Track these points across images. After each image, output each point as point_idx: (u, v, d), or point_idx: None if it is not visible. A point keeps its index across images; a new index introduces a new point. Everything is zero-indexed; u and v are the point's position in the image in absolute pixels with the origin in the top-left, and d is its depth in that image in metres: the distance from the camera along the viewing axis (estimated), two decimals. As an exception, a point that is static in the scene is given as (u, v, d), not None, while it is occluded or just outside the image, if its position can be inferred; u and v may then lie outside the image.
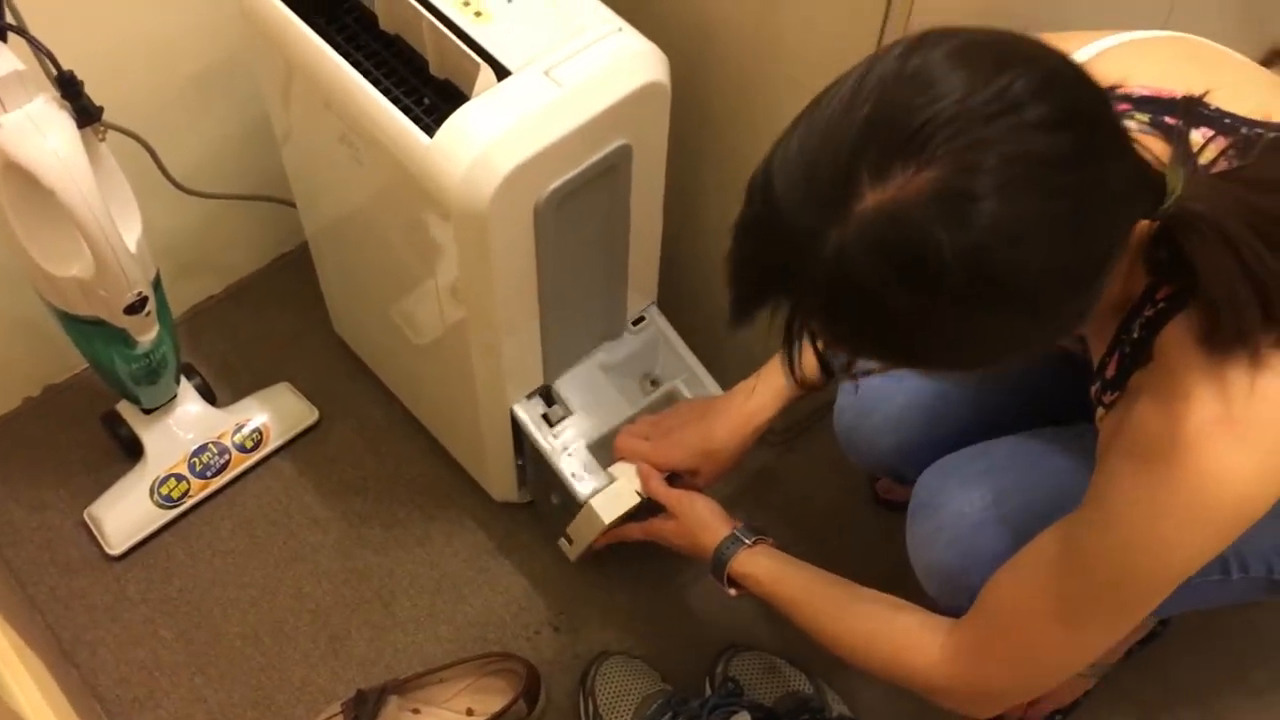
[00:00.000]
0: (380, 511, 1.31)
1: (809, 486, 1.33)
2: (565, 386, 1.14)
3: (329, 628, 1.24)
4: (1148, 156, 0.68)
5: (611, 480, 1.11)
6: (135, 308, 1.08)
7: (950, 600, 0.94)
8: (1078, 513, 0.78)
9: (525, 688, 1.16)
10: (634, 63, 0.92)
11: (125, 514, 1.27)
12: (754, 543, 1.03)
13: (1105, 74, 0.76)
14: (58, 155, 0.94)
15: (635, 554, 1.28)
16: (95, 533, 1.27)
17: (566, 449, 1.13)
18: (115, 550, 1.26)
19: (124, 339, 1.13)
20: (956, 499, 0.94)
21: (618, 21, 0.94)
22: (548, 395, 1.14)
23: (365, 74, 0.93)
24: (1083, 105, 0.62)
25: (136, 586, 1.26)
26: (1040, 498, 0.88)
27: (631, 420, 1.15)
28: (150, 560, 1.27)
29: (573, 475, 1.12)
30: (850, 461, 1.11)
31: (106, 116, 1.00)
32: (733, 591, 1.04)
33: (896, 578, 0.96)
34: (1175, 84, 0.76)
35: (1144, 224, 0.68)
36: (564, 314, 1.05)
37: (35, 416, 1.37)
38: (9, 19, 0.95)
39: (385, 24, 0.97)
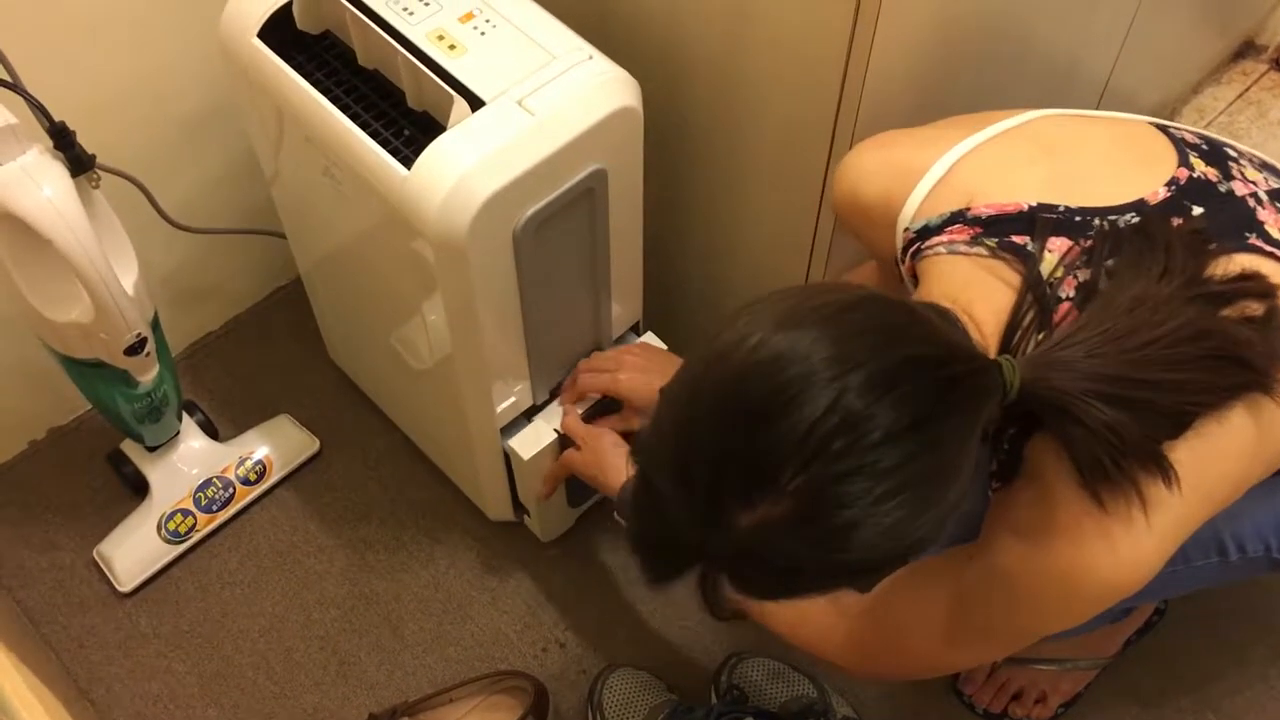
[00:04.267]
0: (384, 536, 1.33)
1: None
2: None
3: (338, 653, 1.25)
4: (978, 307, 0.75)
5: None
6: (135, 349, 1.11)
7: None
8: (972, 561, 0.83)
9: (534, 704, 1.17)
10: (605, 89, 0.94)
11: (134, 551, 1.29)
12: None
13: (956, 190, 0.83)
14: (53, 205, 0.96)
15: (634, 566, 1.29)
16: (105, 571, 1.29)
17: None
18: (125, 587, 1.28)
19: (125, 379, 1.15)
20: None
21: (588, 49, 0.96)
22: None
23: (344, 109, 0.95)
24: (915, 384, 0.65)
25: (148, 621, 1.28)
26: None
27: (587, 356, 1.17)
28: (160, 595, 1.29)
29: (499, 431, 1.14)
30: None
31: (99, 159, 1.02)
32: None
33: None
34: (1025, 191, 0.81)
35: None
36: (550, 335, 1.07)
37: (41, 459, 1.39)
38: (2, 75, 0.98)
39: (363, 60, 0.99)
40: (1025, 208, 0.80)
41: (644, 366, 1.12)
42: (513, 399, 1.11)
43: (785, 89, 1.01)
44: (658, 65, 1.08)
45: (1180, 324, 0.72)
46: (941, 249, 0.82)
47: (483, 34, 0.96)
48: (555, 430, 1.13)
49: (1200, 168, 0.83)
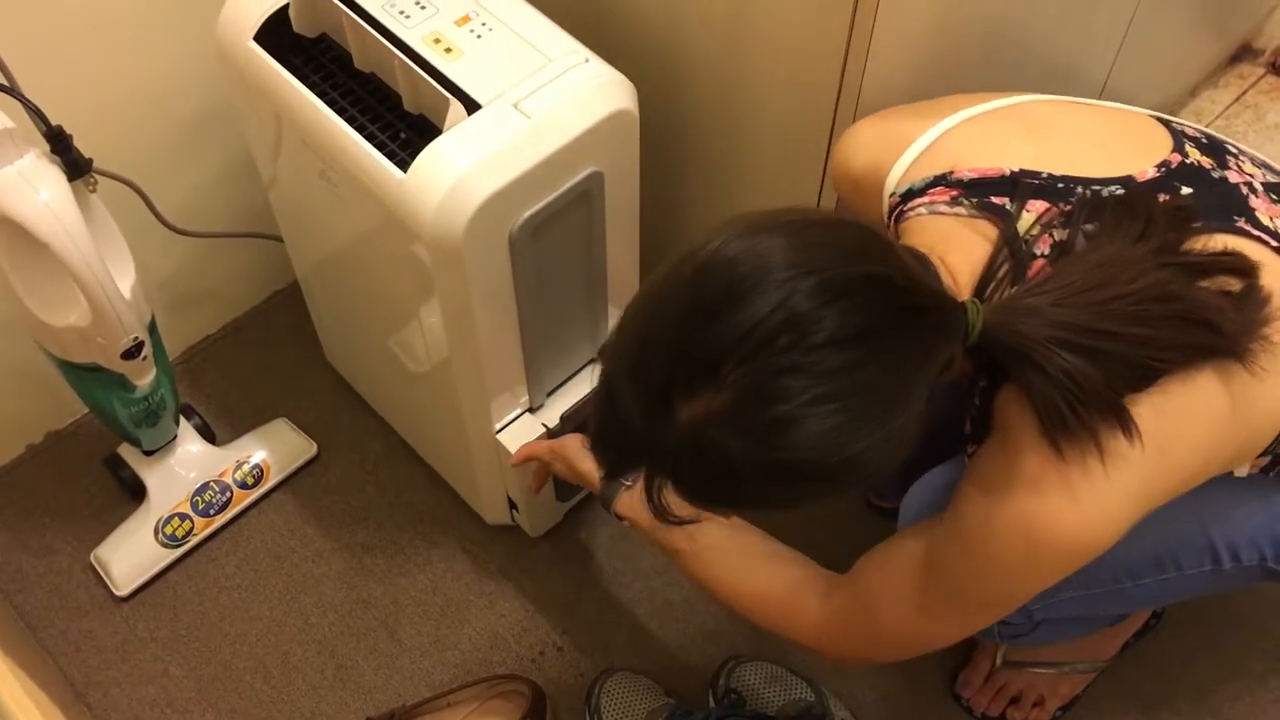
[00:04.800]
0: (382, 540, 1.33)
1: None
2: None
3: (336, 658, 1.25)
4: (954, 259, 0.75)
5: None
6: (132, 353, 1.11)
7: None
8: (941, 523, 0.83)
9: (531, 708, 1.17)
10: (601, 92, 0.94)
11: (131, 555, 1.29)
12: (633, 484, 1.06)
13: (941, 157, 0.85)
14: (50, 209, 0.97)
15: (634, 568, 1.29)
16: (102, 575, 1.29)
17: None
18: (123, 591, 1.28)
19: (122, 383, 1.15)
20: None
21: (584, 52, 0.96)
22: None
23: (341, 112, 0.96)
24: (868, 298, 0.67)
25: (145, 626, 1.27)
26: None
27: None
28: (158, 599, 1.29)
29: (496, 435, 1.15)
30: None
31: (96, 163, 1.02)
32: (625, 523, 1.07)
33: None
34: (1009, 160, 0.82)
35: None
36: (546, 338, 1.07)
37: (39, 463, 1.39)
38: (0, 80, 0.98)
39: (360, 63, 0.99)
40: (1007, 172, 0.82)
41: None
42: (510, 402, 1.11)
43: (783, 90, 1.02)
44: (655, 67, 1.08)
45: (1149, 283, 0.72)
46: (923, 209, 0.83)
47: (479, 37, 0.96)
48: (544, 425, 1.13)
49: (1195, 156, 0.84)
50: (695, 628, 1.26)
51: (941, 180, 0.83)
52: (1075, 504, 0.74)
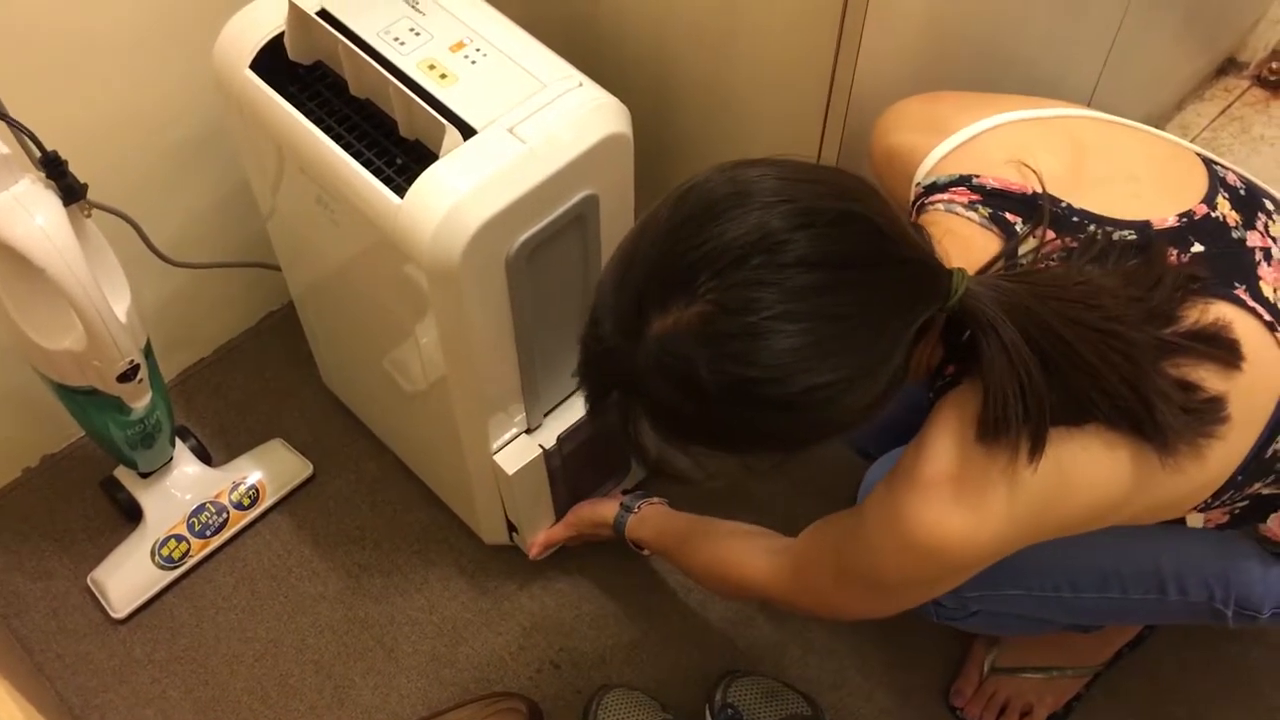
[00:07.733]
0: (378, 560, 1.33)
1: (801, 507, 1.34)
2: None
3: (333, 678, 1.25)
4: (953, 251, 0.76)
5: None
6: (128, 376, 1.11)
7: None
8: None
9: (528, 726, 1.18)
10: (595, 116, 0.94)
11: (128, 577, 1.29)
12: (639, 508, 1.18)
13: (973, 157, 0.85)
14: (46, 234, 0.97)
15: (630, 586, 1.30)
16: (99, 597, 1.29)
17: None
18: (120, 613, 1.28)
19: (118, 406, 1.15)
20: None
21: (578, 77, 0.96)
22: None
23: (337, 138, 0.96)
24: (846, 231, 0.69)
25: (143, 648, 1.28)
26: None
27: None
28: (155, 621, 1.29)
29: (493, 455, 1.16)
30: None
31: (90, 193, 1.02)
32: (646, 552, 1.20)
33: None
34: (1036, 179, 0.82)
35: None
36: (543, 359, 1.08)
37: (35, 486, 1.39)
38: (-7, 106, 0.98)
39: (355, 89, 1.00)
40: (1029, 191, 0.82)
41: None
42: (507, 423, 1.12)
43: (771, 107, 1.03)
44: (646, 88, 1.09)
45: (1120, 335, 0.73)
46: (940, 206, 0.84)
47: (473, 63, 0.97)
48: (540, 446, 1.14)
49: (1223, 209, 0.83)
50: (692, 644, 1.27)
51: (965, 181, 0.84)
52: (965, 515, 0.76)
